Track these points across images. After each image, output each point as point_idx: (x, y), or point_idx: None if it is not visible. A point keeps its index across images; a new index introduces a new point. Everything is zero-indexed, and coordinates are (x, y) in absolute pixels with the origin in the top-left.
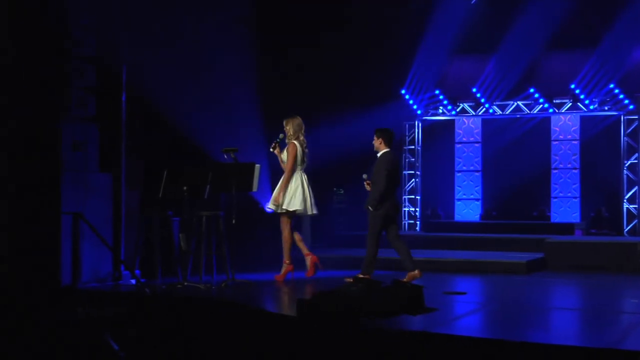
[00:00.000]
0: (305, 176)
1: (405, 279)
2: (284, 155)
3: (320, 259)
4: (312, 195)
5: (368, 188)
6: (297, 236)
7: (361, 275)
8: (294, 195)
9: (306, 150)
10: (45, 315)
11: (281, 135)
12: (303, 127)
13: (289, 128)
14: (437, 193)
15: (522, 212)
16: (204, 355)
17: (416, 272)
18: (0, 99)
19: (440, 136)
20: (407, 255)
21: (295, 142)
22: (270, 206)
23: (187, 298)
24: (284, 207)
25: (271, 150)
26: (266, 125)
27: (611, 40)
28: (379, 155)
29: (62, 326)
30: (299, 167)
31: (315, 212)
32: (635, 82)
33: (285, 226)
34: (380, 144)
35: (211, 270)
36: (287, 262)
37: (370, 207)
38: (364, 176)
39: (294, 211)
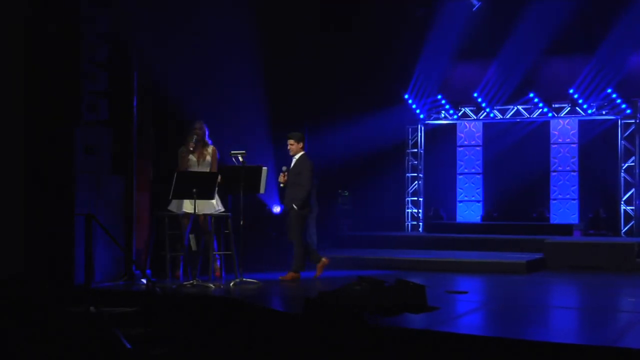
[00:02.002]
0: None
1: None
2: (207, 159)
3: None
4: None
5: (282, 179)
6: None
7: (293, 273)
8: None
9: None
10: (59, 313)
11: (195, 138)
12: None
13: (203, 132)
14: (439, 195)
15: (522, 213)
16: (213, 353)
17: (298, 274)
18: (15, 103)
19: (443, 140)
20: (303, 255)
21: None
22: (218, 210)
23: (197, 297)
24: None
25: (191, 149)
26: (273, 129)
27: (609, 46)
28: (298, 157)
29: (75, 323)
30: None
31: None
32: (632, 87)
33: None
34: (301, 147)
35: (220, 269)
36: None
37: (295, 206)
38: (283, 168)
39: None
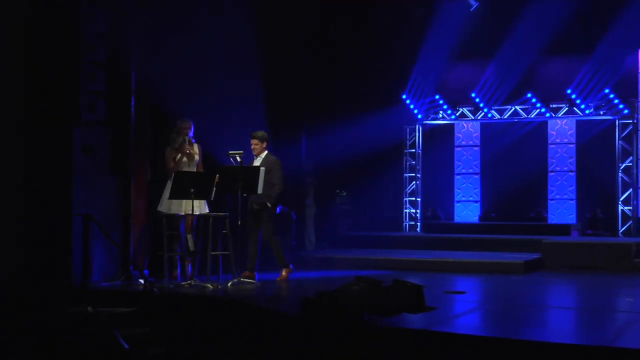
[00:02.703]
0: None
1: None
2: (195, 158)
3: (324, 259)
4: None
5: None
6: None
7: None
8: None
9: None
10: (57, 313)
11: (188, 139)
12: None
13: (190, 131)
14: (437, 195)
15: (519, 213)
16: (211, 353)
17: (288, 267)
18: (15, 103)
19: (440, 140)
20: (281, 249)
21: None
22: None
23: (195, 297)
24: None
25: (187, 152)
26: (272, 130)
27: (606, 47)
28: (263, 156)
29: (73, 323)
30: None
31: None
32: (630, 87)
33: None
34: (264, 147)
35: (218, 270)
36: None
37: (269, 204)
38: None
39: None
